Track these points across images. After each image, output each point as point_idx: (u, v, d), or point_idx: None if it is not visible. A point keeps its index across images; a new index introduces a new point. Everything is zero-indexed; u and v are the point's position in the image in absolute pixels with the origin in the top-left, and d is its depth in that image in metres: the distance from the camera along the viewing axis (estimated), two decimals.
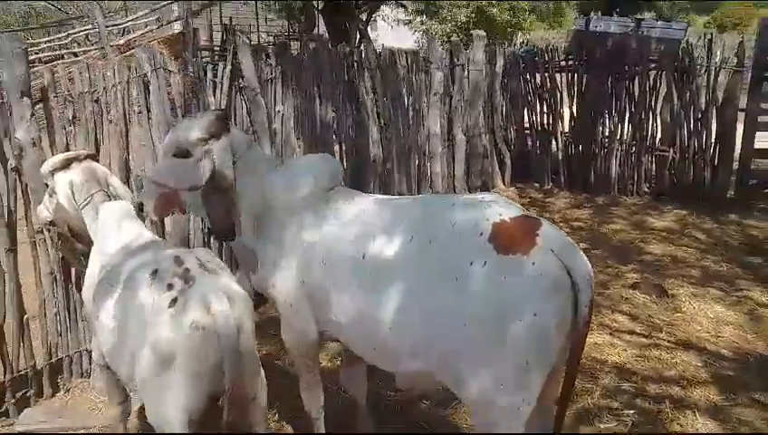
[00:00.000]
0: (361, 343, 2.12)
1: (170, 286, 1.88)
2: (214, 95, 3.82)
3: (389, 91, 5.53)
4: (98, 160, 2.72)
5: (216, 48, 10.82)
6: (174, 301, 1.84)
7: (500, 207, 1.87)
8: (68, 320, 3.17)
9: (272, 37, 12.14)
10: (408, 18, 16.87)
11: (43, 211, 2.58)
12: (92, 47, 12.59)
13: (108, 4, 13.33)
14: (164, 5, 12.78)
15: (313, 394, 2.41)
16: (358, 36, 12.84)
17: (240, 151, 2.25)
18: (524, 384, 1.74)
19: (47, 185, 2.50)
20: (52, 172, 2.45)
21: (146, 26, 13.25)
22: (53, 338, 3.14)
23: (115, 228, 2.32)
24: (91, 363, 3.15)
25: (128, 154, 3.34)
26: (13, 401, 2.97)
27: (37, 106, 2.97)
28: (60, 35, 13.00)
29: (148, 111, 3.38)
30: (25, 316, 3.06)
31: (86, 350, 3.16)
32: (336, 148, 5.11)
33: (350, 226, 2.09)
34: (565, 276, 1.70)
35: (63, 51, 12.41)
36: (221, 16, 13.06)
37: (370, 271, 1.96)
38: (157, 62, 3.36)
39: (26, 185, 2.94)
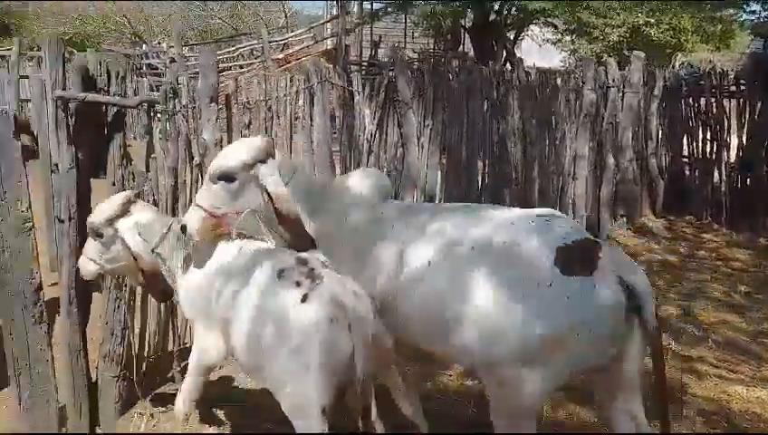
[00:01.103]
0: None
1: (299, 284, 1.96)
2: (369, 107, 4.05)
3: (537, 110, 5.45)
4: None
5: (364, 63, 11.38)
6: (305, 296, 1.92)
7: (561, 228, 1.95)
8: None
9: (416, 54, 12.50)
10: (557, 37, 16.42)
11: (90, 264, 2.48)
12: (256, 60, 13.89)
13: (272, 22, 14.59)
14: (322, 24, 13.74)
15: None
16: (504, 55, 12.78)
17: (287, 176, 2.30)
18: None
19: (99, 235, 2.39)
20: (110, 221, 2.37)
21: (302, 42, 14.38)
22: None
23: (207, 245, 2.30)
24: None
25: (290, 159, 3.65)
26: (178, 368, 3.35)
27: (220, 111, 3.37)
28: (229, 49, 14.43)
29: (311, 119, 3.68)
30: None
31: None
32: (479, 165, 5.14)
33: (414, 237, 2.14)
34: (621, 295, 1.80)
35: (231, 63, 13.80)
36: (372, 33, 13.70)
37: (436, 281, 2.03)
38: (323, 74, 3.64)
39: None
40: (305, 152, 3.64)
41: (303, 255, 2.13)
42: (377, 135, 4.10)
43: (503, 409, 1.98)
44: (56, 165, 2.82)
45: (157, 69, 12.83)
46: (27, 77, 11.42)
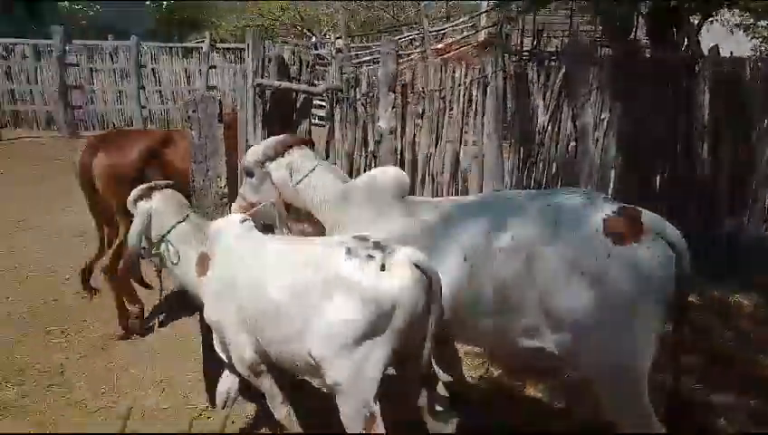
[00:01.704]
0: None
1: (371, 257, 2.00)
2: (544, 99, 3.88)
3: (728, 104, 4.82)
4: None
5: (525, 53, 10.99)
6: (383, 266, 1.98)
7: (600, 203, 2.07)
8: None
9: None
10: (749, 22, 14.44)
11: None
12: (415, 51, 14.10)
13: (433, 12, 14.69)
14: (482, 13, 13.52)
15: None
16: (685, 43, 11.52)
17: (303, 171, 2.48)
18: (647, 346, 1.98)
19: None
20: (136, 200, 2.57)
21: (462, 32, 14.30)
22: None
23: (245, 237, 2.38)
24: None
25: (460, 149, 3.62)
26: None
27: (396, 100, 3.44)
28: (390, 39, 14.79)
29: (483, 109, 3.61)
30: None
31: None
32: (661, 164, 4.68)
33: (446, 229, 2.25)
34: (670, 251, 1.95)
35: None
36: (534, 22, 13.19)
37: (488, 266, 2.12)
38: (497, 64, 3.55)
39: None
40: (476, 142, 3.59)
41: (358, 235, 2.15)
42: (549, 127, 3.91)
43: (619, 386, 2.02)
44: (249, 145, 3.09)
45: (324, 59, 13.58)
46: (215, 66, 12.79)
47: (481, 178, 3.66)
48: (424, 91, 3.49)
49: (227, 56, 13.19)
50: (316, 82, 3.56)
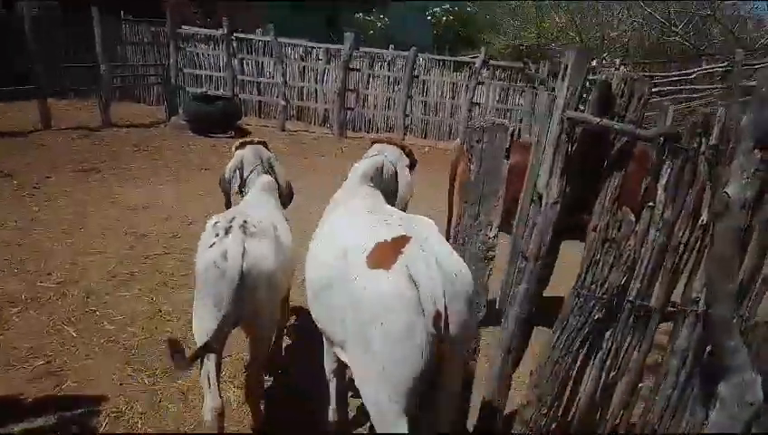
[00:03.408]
0: None
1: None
2: None
3: None
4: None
5: None
6: None
7: (397, 229, 2.07)
8: None
9: None
10: None
11: (226, 171, 3.40)
12: (715, 87, 11.88)
13: (749, 41, 12.20)
14: None
15: None
16: None
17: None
18: (385, 380, 1.88)
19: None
20: (236, 148, 3.44)
21: None
22: None
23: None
24: None
25: None
26: None
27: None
28: (685, 71, 12.75)
29: None
30: None
31: None
32: None
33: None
34: (413, 292, 1.83)
35: (682, 87, 12.15)
36: None
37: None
38: None
39: None
40: None
41: None
42: None
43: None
44: (539, 195, 2.40)
45: None
46: (482, 83, 12.52)
47: None
48: None
49: (497, 73, 12.79)
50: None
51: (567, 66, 2.22)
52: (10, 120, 9.58)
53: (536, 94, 12.36)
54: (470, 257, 2.52)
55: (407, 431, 1.88)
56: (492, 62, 12.78)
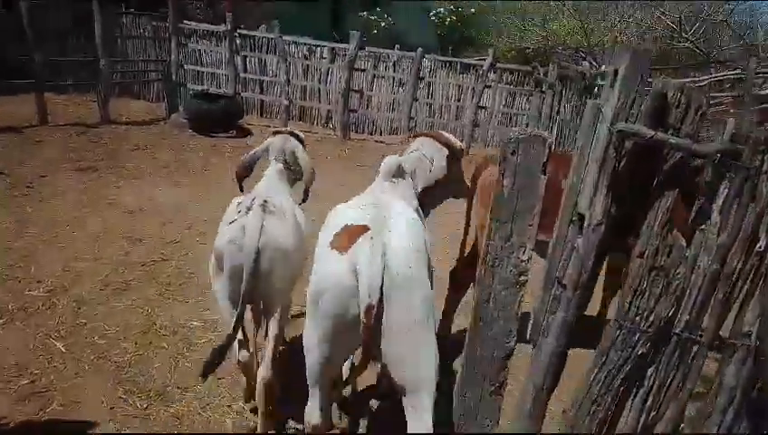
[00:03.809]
0: None
1: None
2: None
3: None
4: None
5: None
6: None
7: (365, 218, 2.22)
8: None
9: None
10: None
11: (251, 154, 3.36)
12: (725, 95, 11.64)
13: (764, 48, 11.95)
14: None
15: None
16: None
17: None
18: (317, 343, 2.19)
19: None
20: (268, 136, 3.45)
21: None
22: None
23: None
24: None
25: None
26: None
27: None
28: (694, 78, 12.51)
29: None
30: None
31: None
32: None
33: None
34: (351, 282, 2.04)
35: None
36: None
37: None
38: None
39: None
40: None
41: None
42: None
43: None
44: (580, 215, 2.15)
45: None
46: (489, 86, 12.27)
47: None
48: None
49: (504, 77, 12.55)
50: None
51: (617, 71, 1.97)
52: (5, 114, 9.30)
53: (544, 99, 12.14)
54: (500, 281, 2.28)
55: (320, 403, 2.32)
56: (499, 64, 12.53)
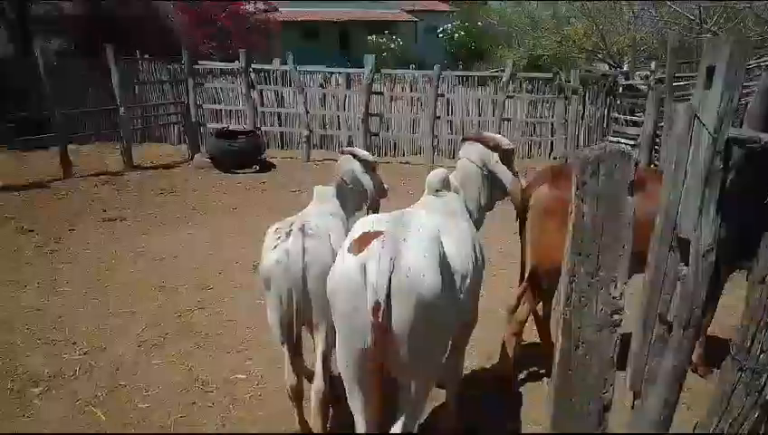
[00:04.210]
0: None
1: None
2: None
3: None
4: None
5: None
6: None
7: (384, 225, 2.23)
8: None
9: None
10: None
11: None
12: (754, 83, 11.17)
13: None
14: None
15: None
16: None
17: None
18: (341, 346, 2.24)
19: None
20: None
21: None
22: None
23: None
24: None
25: None
26: None
27: None
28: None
29: None
30: None
31: None
32: None
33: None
34: (360, 280, 2.07)
35: None
36: None
37: None
38: None
39: None
40: None
41: None
42: None
43: None
44: (681, 240, 1.85)
45: (638, 90, 11.67)
46: (512, 96, 12.00)
47: None
48: None
49: (523, 86, 12.28)
50: None
51: (711, 68, 1.69)
52: (30, 170, 9.34)
53: (568, 104, 11.82)
54: (589, 323, 1.98)
55: (361, 402, 2.27)
56: (520, 74, 12.27)
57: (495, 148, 3.12)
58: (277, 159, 11.36)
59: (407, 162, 11.78)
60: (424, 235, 2.25)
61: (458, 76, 12.55)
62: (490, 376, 3.83)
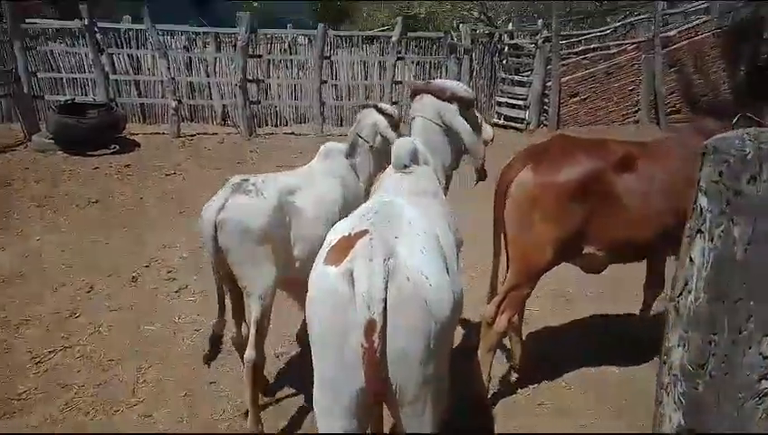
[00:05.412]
0: None
1: None
2: None
3: None
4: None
5: None
6: None
7: (366, 223, 1.79)
8: None
9: None
10: None
11: None
12: (627, 42, 11.52)
13: None
14: None
15: None
16: None
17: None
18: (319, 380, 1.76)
19: None
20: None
21: (697, 19, 11.48)
22: None
23: None
24: None
25: None
26: None
27: None
28: (601, 28, 12.35)
29: None
30: None
31: None
32: None
33: None
34: (347, 291, 1.61)
35: (594, 45, 11.64)
36: None
37: None
38: None
39: None
40: None
41: None
42: None
43: None
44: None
45: (521, 49, 11.52)
46: (403, 58, 11.29)
47: None
48: None
49: (410, 45, 11.62)
50: None
51: None
52: None
53: (461, 64, 11.42)
54: (730, 394, 1.35)
55: None
56: (410, 34, 11.59)
57: (452, 98, 2.51)
58: (140, 135, 9.70)
59: (291, 132, 10.70)
60: (418, 228, 1.83)
61: (342, 37, 11.57)
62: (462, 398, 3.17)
